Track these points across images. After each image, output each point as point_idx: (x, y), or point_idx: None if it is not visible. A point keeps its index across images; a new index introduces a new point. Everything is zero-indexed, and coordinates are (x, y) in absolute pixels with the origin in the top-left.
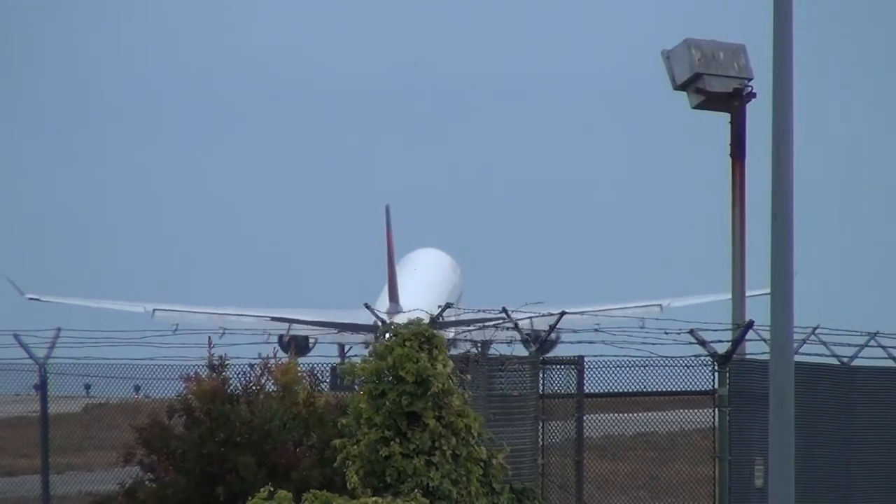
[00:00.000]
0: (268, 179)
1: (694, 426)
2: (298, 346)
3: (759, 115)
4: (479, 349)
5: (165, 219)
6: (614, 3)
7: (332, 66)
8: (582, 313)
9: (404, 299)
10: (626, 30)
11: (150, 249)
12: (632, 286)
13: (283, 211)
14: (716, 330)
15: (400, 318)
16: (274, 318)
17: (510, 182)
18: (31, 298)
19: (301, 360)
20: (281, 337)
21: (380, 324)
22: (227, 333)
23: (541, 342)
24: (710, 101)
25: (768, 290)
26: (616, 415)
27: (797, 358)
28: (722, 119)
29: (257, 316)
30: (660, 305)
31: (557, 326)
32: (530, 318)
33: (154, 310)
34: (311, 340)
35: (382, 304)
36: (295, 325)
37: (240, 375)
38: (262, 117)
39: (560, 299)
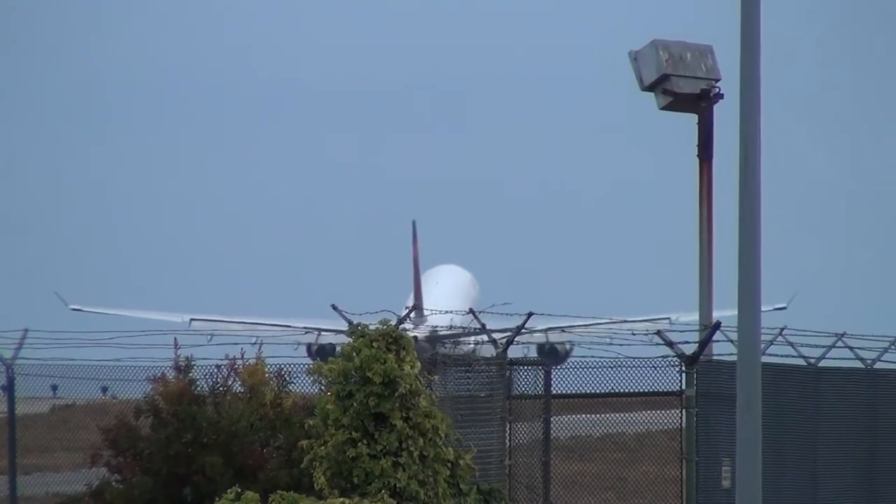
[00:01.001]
0: (286, 188)
1: (661, 427)
2: (326, 353)
3: (729, 115)
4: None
5: (201, 231)
6: (580, 3)
7: (339, 68)
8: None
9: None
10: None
11: (189, 260)
12: (643, 299)
13: (312, 222)
14: (683, 331)
15: (423, 328)
16: (305, 329)
17: (502, 187)
18: (75, 309)
19: None
20: (309, 346)
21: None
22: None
23: (507, 343)
24: (678, 103)
25: (779, 306)
26: (583, 416)
27: (764, 359)
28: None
29: (290, 326)
30: (668, 318)
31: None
32: (545, 331)
33: (191, 319)
34: (338, 349)
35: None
36: (323, 335)
37: (207, 377)
38: (274, 124)
39: (569, 312)
